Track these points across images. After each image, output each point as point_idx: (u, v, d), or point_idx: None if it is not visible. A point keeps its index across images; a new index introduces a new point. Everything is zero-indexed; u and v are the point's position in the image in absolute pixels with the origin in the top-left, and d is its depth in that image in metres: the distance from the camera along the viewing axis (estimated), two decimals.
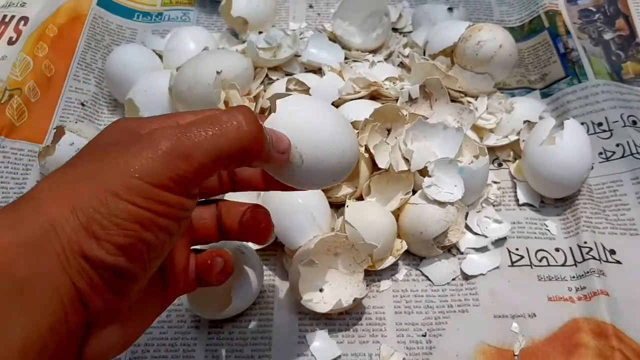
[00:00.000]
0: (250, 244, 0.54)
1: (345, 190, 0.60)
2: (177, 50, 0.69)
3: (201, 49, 0.69)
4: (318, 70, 0.67)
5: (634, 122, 0.65)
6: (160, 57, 0.72)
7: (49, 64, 0.71)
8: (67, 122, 0.66)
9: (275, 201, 0.56)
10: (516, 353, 0.52)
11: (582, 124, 0.64)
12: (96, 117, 0.71)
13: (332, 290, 0.56)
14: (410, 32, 0.77)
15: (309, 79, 0.64)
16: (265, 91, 0.64)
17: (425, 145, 0.59)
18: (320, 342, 0.53)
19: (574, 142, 0.59)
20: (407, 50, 0.73)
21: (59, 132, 0.60)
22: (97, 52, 0.76)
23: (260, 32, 0.74)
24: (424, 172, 0.59)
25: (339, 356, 0.52)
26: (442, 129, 0.60)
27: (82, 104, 0.70)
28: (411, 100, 0.63)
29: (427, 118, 0.61)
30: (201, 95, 0.59)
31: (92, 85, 0.73)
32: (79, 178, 0.31)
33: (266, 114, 0.61)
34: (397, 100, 0.64)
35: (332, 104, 0.62)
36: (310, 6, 0.84)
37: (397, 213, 0.59)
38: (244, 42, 0.76)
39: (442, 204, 0.56)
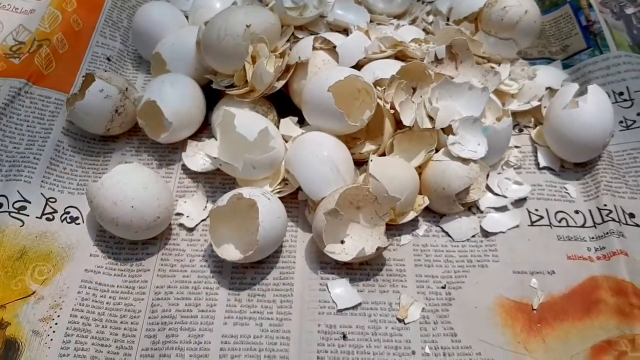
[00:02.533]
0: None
1: (369, 147, 0.61)
2: (204, 7, 0.70)
3: (225, 6, 0.69)
4: (343, 31, 0.67)
5: None
6: (186, 17, 0.73)
7: (77, 18, 0.72)
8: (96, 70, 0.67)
9: (301, 152, 0.57)
10: (534, 307, 0.53)
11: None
12: (122, 72, 0.72)
13: (354, 243, 0.56)
14: (433, 0, 0.78)
15: (335, 37, 0.64)
16: (290, 49, 0.65)
17: (450, 105, 0.60)
18: (342, 290, 0.54)
19: (597, 106, 0.59)
20: (430, 18, 0.74)
21: (89, 79, 0.61)
22: (123, 11, 0.77)
23: None
24: (447, 130, 0.59)
25: (359, 303, 0.53)
26: (468, 89, 0.60)
27: (108, 59, 0.71)
28: (437, 60, 0.63)
29: (452, 78, 0.61)
30: (231, 46, 0.59)
31: (117, 42, 0.74)
32: None
33: (290, 71, 0.63)
34: (422, 60, 0.64)
35: (357, 63, 0.63)
36: None
37: (419, 170, 0.59)
38: (267, 4, 0.76)
39: (465, 160, 0.57)
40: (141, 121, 0.62)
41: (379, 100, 0.58)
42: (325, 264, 0.56)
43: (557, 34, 0.75)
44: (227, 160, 0.57)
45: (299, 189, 0.58)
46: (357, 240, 0.57)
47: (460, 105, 0.60)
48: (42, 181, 0.60)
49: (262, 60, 0.60)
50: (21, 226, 0.56)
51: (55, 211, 0.59)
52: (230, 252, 0.55)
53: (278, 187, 0.59)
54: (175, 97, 0.61)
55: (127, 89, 0.63)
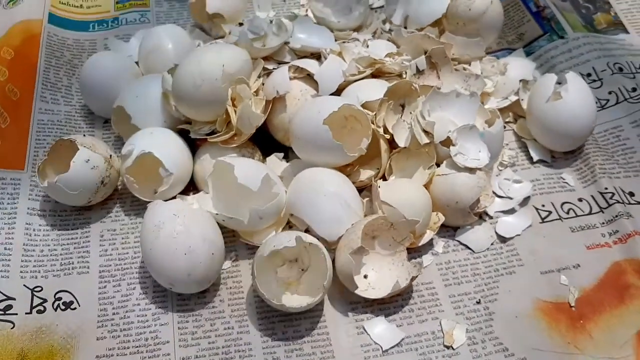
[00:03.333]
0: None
1: (368, 173, 0.59)
2: (155, 51, 0.64)
3: (179, 47, 0.65)
4: (311, 55, 0.65)
5: (620, 69, 0.68)
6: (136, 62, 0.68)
7: (12, 87, 0.65)
8: (73, 135, 0.60)
9: (305, 193, 0.54)
10: (572, 304, 0.53)
11: None
12: (78, 133, 0.66)
13: (377, 275, 0.54)
14: (381, 7, 0.77)
15: (308, 64, 0.61)
16: (263, 84, 0.61)
17: (443, 116, 0.59)
18: (381, 328, 0.52)
19: (579, 93, 0.60)
20: (387, 26, 0.72)
21: (69, 147, 0.55)
22: (59, 69, 0.71)
23: (240, 23, 0.70)
24: (443, 142, 0.58)
25: (402, 339, 0.51)
26: (456, 97, 0.59)
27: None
28: (418, 72, 0.62)
29: (439, 88, 0.60)
30: (209, 92, 0.55)
31: (61, 105, 0.68)
32: None
33: (269, 107, 0.59)
34: (400, 75, 0.63)
35: (339, 87, 0.61)
36: None
37: (426, 187, 0.58)
38: (218, 37, 0.72)
39: (472, 170, 0.56)
40: (131, 179, 0.56)
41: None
42: (356, 304, 0.53)
43: (510, 23, 0.76)
44: (227, 214, 0.53)
45: (307, 230, 0.55)
46: (379, 272, 0.54)
47: (453, 114, 0.59)
48: (20, 272, 0.54)
49: (247, 102, 0.56)
50: (12, 328, 0.50)
51: (45, 300, 0.53)
52: (289, 300, 0.51)
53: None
54: (169, 148, 0.57)
55: (110, 156, 0.57)
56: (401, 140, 0.58)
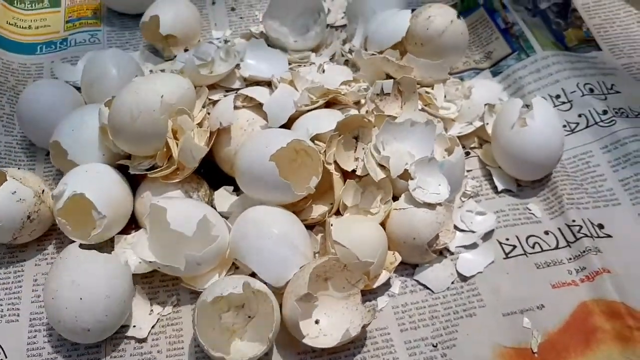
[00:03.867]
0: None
1: (321, 209, 0.55)
2: (97, 80, 0.60)
3: (124, 74, 0.60)
4: (263, 82, 0.61)
5: (591, 90, 0.64)
6: (77, 88, 0.64)
7: None
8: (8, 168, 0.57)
9: (248, 236, 0.50)
10: (535, 350, 0.49)
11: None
12: (16, 167, 0.61)
13: (329, 319, 0.51)
14: (344, 25, 0.73)
15: (257, 92, 0.58)
16: (209, 113, 0.58)
17: (399, 148, 0.55)
18: None
19: (545, 120, 0.57)
20: (346, 47, 0.69)
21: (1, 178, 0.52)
22: (2, 96, 0.67)
23: (186, 49, 0.67)
24: (401, 175, 0.55)
25: None
26: (410, 126, 0.56)
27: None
28: (383, 94, 0.59)
29: (395, 118, 0.57)
30: (148, 125, 0.51)
31: (2, 135, 0.64)
32: None
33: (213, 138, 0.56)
34: (358, 102, 0.59)
35: (290, 117, 0.57)
36: (232, 9, 0.77)
37: (381, 222, 0.54)
38: (169, 59, 0.69)
39: (431, 205, 0.53)
40: (63, 221, 0.53)
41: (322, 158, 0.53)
42: (304, 354, 0.50)
43: (477, 41, 0.72)
44: (164, 260, 0.50)
45: (253, 274, 0.51)
46: (332, 317, 0.51)
47: (410, 146, 0.56)
48: None
49: (189, 134, 0.53)
50: None
51: None
52: (235, 353, 0.48)
53: (228, 274, 0.52)
54: (103, 188, 0.53)
55: (43, 191, 0.54)
56: (350, 168, 0.55)
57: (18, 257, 0.56)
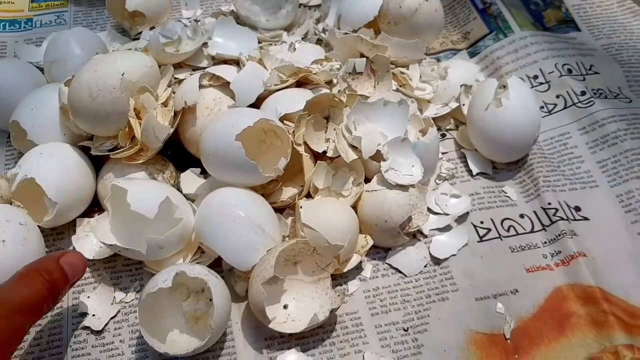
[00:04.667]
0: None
1: (290, 191, 0.54)
2: (60, 59, 0.58)
3: (89, 54, 0.58)
4: (232, 61, 0.59)
5: (569, 71, 0.63)
6: (40, 69, 0.61)
7: None
8: None
9: (213, 219, 0.48)
10: (507, 336, 0.48)
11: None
12: None
13: (298, 304, 0.49)
14: (318, 5, 0.71)
15: (224, 71, 0.56)
16: (174, 92, 0.56)
17: (371, 128, 0.54)
18: None
19: (520, 100, 0.55)
20: (320, 26, 0.67)
21: None
22: None
23: (152, 28, 0.65)
24: (374, 156, 0.53)
25: None
26: (383, 106, 0.54)
27: None
28: (355, 72, 0.57)
29: (367, 98, 0.55)
30: (108, 103, 0.49)
31: None
32: None
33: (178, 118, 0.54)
34: (330, 82, 0.58)
35: (258, 97, 0.55)
36: None
37: (353, 204, 0.53)
38: (136, 38, 0.66)
39: (403, 187, 0.51)
40: (17, 203, 0.51)
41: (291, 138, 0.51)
42: (272, 339, 0.48)
43: (455, 21, 0.71)
44: (126, 243, 0.48)
45: (219, 257, 0.50)
46: (301, 301, 0.49)
47: (382, 126, 0.54)
48: None
49: (151, 114, 0.51)
50: None
51: None
52: (175, 346, 0.46)
53: (194, 259, 0.51)
54: (58, 170, 0.51)
55: None
56: (320, 150, 0.53)
57: None
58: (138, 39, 0.66)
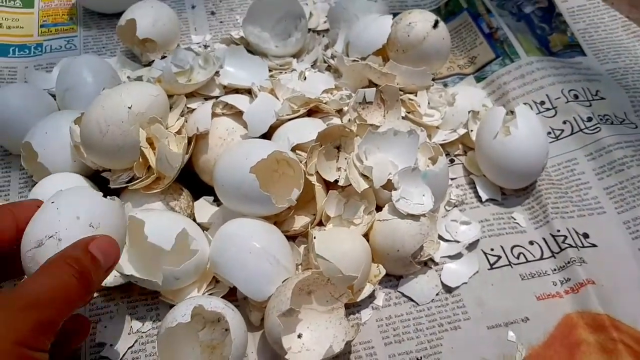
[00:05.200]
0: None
1: (303, 220, 0.54)
2: (73, 88, 0.59)
3: (101, 81, 0.59)
4: (243, 89, 0.60)
5: (576, 96, 0.64)
6: (52, 95, 0.62)
7: None
8: None
9: (229, 250, 0.49)
10: None
11: (524, 104, 0.62)
12: None
13: (312, 333, 0.50)
14: (326, 30, 0.72)
15: (238, 100, 0.56)
16: (187, 121, 0.56)
17: (382, 157, 0.54)
18: None
19: (529, 129, 0.56)
20: (328, 52, 0.67)
21: None
22: None
23: (163, 56, 0.65)
24: (385, 185, 0.54)
25: None
26: (393, 135, 0.55)
27: None
28: (365, 102, 0.58)
29: (377, 127, 0.56)
30: (118, 137, 0.50)
31: None
32: None
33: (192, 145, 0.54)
34: (340, 111, 0.58)
35: (270, 126, 0.56)
36: (212, 13, 0.76)
37: (365, 233, 0.53)
38: (147, 64, 0.67)
39: (415, 216, 0.52)
40: None
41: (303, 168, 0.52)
42: None
43: (462, 46, 0.72)
44: (144, 273, 0.48)
45: (234, 287, 0.50)
46: (315, 331, 0.50)
47: (393, 156, 0.55)
48: None
49: (163, 142, 0.51)
50: None
51: None
52: None
53: (209, 289, 0.51)
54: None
55: None
56: (333, 179, 0.54)
57: None
58: (148, 64, 0.67)
